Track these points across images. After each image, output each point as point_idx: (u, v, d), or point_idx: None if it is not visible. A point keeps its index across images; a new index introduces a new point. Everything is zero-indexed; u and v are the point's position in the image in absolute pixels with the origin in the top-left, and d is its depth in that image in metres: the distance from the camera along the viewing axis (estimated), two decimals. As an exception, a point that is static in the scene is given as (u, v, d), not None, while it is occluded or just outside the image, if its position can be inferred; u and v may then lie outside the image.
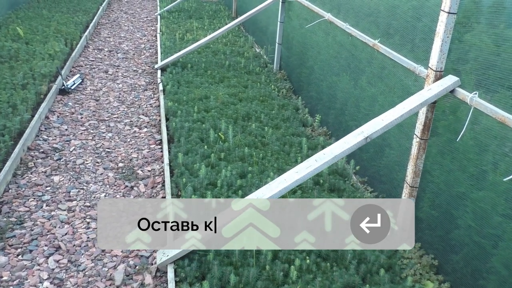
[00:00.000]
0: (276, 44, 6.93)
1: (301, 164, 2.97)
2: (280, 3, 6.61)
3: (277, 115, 5.22)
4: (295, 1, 6.14)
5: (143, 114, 5.37)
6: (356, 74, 4.56)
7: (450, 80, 2.87)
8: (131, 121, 5.18)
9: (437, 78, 2.94)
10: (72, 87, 5.80)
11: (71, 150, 4.43)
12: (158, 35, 8.47)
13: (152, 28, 9.48)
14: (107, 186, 3.92)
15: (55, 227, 3.34)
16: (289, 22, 6.63)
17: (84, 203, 3.66)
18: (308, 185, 3.82)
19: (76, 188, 3.84)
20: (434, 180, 3.29)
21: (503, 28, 2.62)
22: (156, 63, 7.09)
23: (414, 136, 3.15)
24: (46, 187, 3.81)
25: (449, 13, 2.80)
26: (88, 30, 8.28)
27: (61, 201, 3.64)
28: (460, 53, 2.92)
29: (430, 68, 2.98)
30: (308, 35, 5.81)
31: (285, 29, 6.77)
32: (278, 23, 6.78)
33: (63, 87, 5.70)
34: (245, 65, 6.86)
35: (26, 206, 3.52)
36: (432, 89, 2.88)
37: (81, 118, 5.13)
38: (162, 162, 4.32)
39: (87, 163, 4.23)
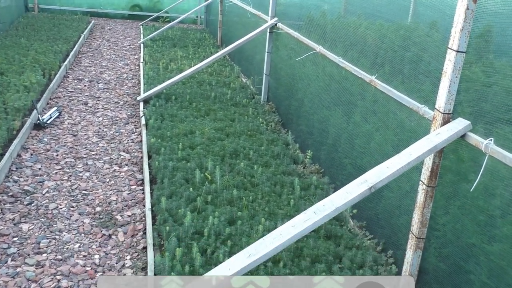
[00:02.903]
0: (264, 75, 6.70)
1: (299, 217, 2.67)
2: (268, 33, 6.41)
3: (267, 151, 4.94)
4: (283, 32, 5.95)
5: (124, 151, 5.04)
6: (348, 108, 4.32)
7: (460, 123, 2.63)
8: (111, 158, 4.84)
9: (445, 121, 2.70)
10: (48, 121, 5.45)
11: (43, 192, 4.06)
12: (141, 65, 8.20)
13: (135, 57, 9.21)
14: (82, 234, 3.56)
15: (19, 287, 2.96)
16: (276, 52, 6.43)
17: (55, 255, 3.29)
18: (303, 233, 3.51)
19: (47, 238, 3.47)
20: (439, 228, 3.02)
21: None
22: (139, 94, 6.79)
23: (420, 182, 2.89)
24: (13, 237, 3.43)
25: (457, 51, 2.57)
26: (68, 59, 7.97)
27: (29, 254, 3.26)
28: (470, 94, 2.69)
29: (437, 110, 2.73)
30: (297, 66, 5.59)
31: (273, 60, 6.56)
32: (266, 53, 6.57)
33: (39, 121, 5.35)
34: (232, 97, 6.60)
35: (-12, 262, 3.15)
36: (441, 134, 2.63)
37: (57, 155, 4.78)
38: (144, 206, 3.98)
39: (61, 208, 3.87)
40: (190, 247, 3.23)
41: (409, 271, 3.00)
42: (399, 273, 3.16)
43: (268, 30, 6.35)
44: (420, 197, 2.88)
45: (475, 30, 2.58)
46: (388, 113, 3.64)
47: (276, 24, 6.20)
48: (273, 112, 6.28)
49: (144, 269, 3.19)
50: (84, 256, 3.32)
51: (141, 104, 6.24)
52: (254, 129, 5.51)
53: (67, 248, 3.38)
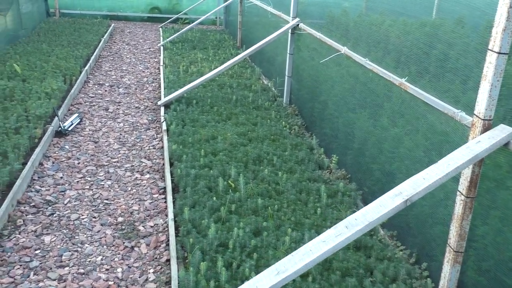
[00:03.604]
0: (286, 77, 6.56)
1: (329, 231, 2.53)
2: (290, 34, 6.26)
3: (291, 156, 4.80)
4: (305, 33, 5.79)
5: (145, 158, 4.96)
6: (375, 111, 4.16)
7: (503, 131, 2.45)
8: (132, 165, 4.77)
9: (485, 128, 2.52)
10: (70, 128, 5.41)
11: (65, 202, 4.00)
12: (161, 68, 8.14)
13: (155, 60, 9.16)
14: (105, 246, 3.48)
15: (42, 303, 2.89)
16: (298, 53, 6.28)
17: (78, 269, 3.21)
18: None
19: (69, 251, 3.40)
20: (479, 240, 2.84)
21: None
22: (159, 98, 6.72)
23: (458, 193, 2.71)
24: (35, 250, 3.37)
25: (499, 53, 2.39)
26: (88, 64, 7.96)
27: (51, 268, 3.19)
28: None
29: (477, 116, 2.56)
30: (320, 67, 5.43)
31: (295, 61, 6.41)
32: (288, 54, 6.42)
33: (60, 128, 5.31)
34: (253, 100, 6.48)
35: (10, 276, 3.08)
36: (481, 142, 2.45)
37: (78, 163, 4.72)
38: (166, 216, 3.88)
39: (82, 219, 3.80)
40: (214, 261, 3.12)
41: (447, 286, 2.83)
42: (435, 288, 2.99)
43: (290, 31, 6.20)
44: (458, 208, 2.70)
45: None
46: (419, 116, 3.46)
47: (298, 25, 6.05)
48: (296, 115, 6.14)
49: (168, 283, 3.09)
50: (107, 269, 3.23)
51: (162, 108, 6.17)
52: (277, 133, 5.37)
53: (90, 261, 3.31)
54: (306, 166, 4.66)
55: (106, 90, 7.14)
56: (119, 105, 6.51)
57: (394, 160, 3.86)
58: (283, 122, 5.77)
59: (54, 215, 3.82)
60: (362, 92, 4.42)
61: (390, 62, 3.90)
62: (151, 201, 4.13)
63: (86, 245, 3.49)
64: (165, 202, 4.10)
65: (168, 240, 3.52)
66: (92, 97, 6.78)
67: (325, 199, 3.99)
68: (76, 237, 3.57)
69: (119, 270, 3.24)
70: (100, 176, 4.52)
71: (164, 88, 6.83)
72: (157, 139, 5.44)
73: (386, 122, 4.00)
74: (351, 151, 4.65)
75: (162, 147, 5.18)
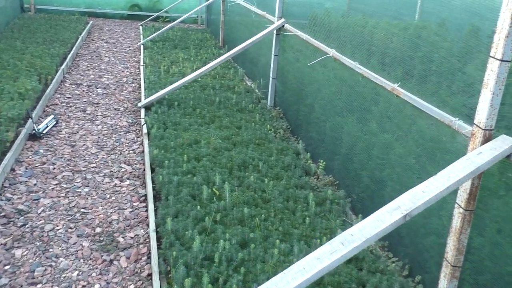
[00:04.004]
0: (270, 79, 6.40)
1: (324, 248, 2.37)
2: (275, 35, 6.10)
3: (277, 161, 4.64)
4: (291, 34, 5.64)
5: (125, 163, 4.74)
6: (364, 116, 4.03)
7: (504, 142, 2.33)
8: (111, 171, 4.55)
9: (486, 139, 2.41)
10: (44, 131, 5.15)
11: (39, 212, 3.77)
12: (141, 68, 7.89)
13: (135, 59, 8.90)
14: (81, 260, 3.26)
15: (12, 326, 2.67)
16: (283, 54, 6.13)
17: (52, 286, 2.99)
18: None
19: (43, 265, 3.18)
20: (475, 252, 2.73)
21: None
22: (140, 99, 6.49)
23: (456, 205, 2.59)
24: (5, 265, 3.14)
25: (502, 60, 2.28)
26: (65, 63, 7.66)
27: (22, 286, 2.96)
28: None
29: (477, 125, 2.44)
30: (306, 69, 5.29)
31: (280, 62, 6.26)
32: (272, 56, 6.27)
33: (34, 131, 5.05)
34: (237, 102, 6.30)
35: (-23, 296, 2.85)
36: (483, 154, 2.33)
37: (53, 169, 4.48)
38: (147, 226, 3.69)
39: (57, 229, 3.58)
40: (199, 276, 2.94)
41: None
42: (431, 304, 2.87)
43: (275, 31, 6.04)
44: (456, 222, 2.58)
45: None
46: (411, 122, 3.35)
47: (283, 26, 5.90)
48: (280, 118, 5.99)
49: (149, 301, 2.90)
50: (83, 286, 3.02)
51: (142, 110, 5.95)
52: (262, 137, 5.21)
53: (65, 277, 3.09)
54: (293, 172, 4.51)
55: (83, 91, 6.87)
56: (97, 107, 6.26)
57: (384, 167, 3.73)
58: (268, 126, 5.62)
59: (27, 226, 3.58)
60: (350, 96, 4.29)
61: (379, 65, 3.78)
62: (131, 209, 3.93)
63: (61, 259, 3.27)
64: (146, 211, 3.90)
65: (150, 253, 3.33)
66: (69, 97, 6.51)
67: (314, 207, 3.84)
68: (50, 250, 3.34)
69: (97, 286, 3.03)
70: (77, 182, 4.29)
71: (145, 89, 6.60)
72: (137, 143, 5.22)
73: (375, 127, 3.88)
74: (338, 156, 4.52)
75: (143, 152, 4.96)
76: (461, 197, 2.55)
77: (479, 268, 2.71)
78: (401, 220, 2.30)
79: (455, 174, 2.33)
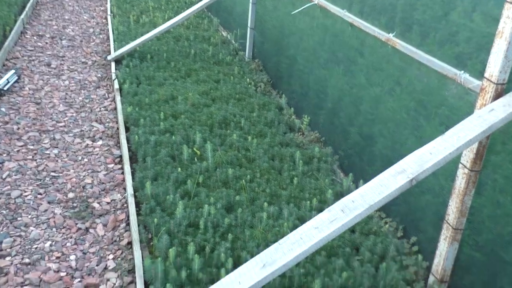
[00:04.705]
0: (248, 29, 6.04)
1: (322, 215, 2.18)
2: (253, -19, 5.70)
3: (259, 118, 4.39)
4: (272, -20, 5.26)
5: (96, 121, 4.41)
6: (351, 67, 3.80)
7: (519, 97, 2.14)
8: (81, 130, 4.22)
9: (498, 94, 2.21)
10: (6, 88, 4.73)
11: (4, 177, 3.46)
12: (108, 18, 7.37)
13: (101, 8, 8.32)
14: (54, 229, 3.01)
15: (-20, 305, 2.43)
16: (261, 2, 5.75)
17: (22, 259, 2.74)
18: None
19: (11, 236, 2.91)
20: (474, 212, 2.60)
21: None
22: (109, 52, 6.06)
23: (460, 165, 2.42)
24: (-31, 238, 2.86)
25: (520, 6, 2.04)
26: (24, 12, 7.07)
27: (-11, 260, 2.71)
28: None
29: (487, 79, 2.23)
30: (287, 18, 4.96)
31: (258, 11, 5.88)
32: (250, 4, 5.88)
33: (-6, 88, 4.63)
34: (214, 54, 5.95)
35: None
36: (495, 110, 2.14)
37: (18, 129, 4.12)
38: (124, 190, 3.43)
39: (26, 196, 3.29)
40: (184, 245, 2.74)
41: (443, 265, 2.59)
42: (430, 266, 2.75)
43: (254, -23, 5.64)
44: (460, 183, 2.42)
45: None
46: (405, 75, 3.12)
47: (262, -29, 5.49)
48: (260, 71, 5.69)
49: (131, 271, 2.69)
50: (58, 257, 2.78)
51: (113, 64, 5.54)
52: (242, 91, 4.93)
53: (36, 248, 2.84)
54: (277, 129, 4.29)
55: (47, 43, 6.36)
56: (63, 60, 5.81)
57: (374, 122, 3.54)
58: (248, 79, 5.32)
59: (-9, 192, 3.28)
60: (336, 46, 4.02)
61: (371, 13, 3.50)
62: (105, 172, 3.65)
63: (31, 228, 3.00)
64: (122, 173, 3.64)
65: (128, 219, 3.09)
66: (31, 50, 6.02)
67: (301, 166, 3.65)
68: (19, 218, 3.07)
69: (73, 257, 2.80)
70: (44, 143, 3.96)
71: (114, 41, 6.15)
72: (108, 99, 4.86)
73: (364, 79, 3.66)
74: (323, 111, 4.30)
75: (115, 109, 4.63)
76: (467, 157, 2.38)
77: (478, 229, 2.59)
78: (406, 185, 2.11)
79: (465, 134, 2.13)
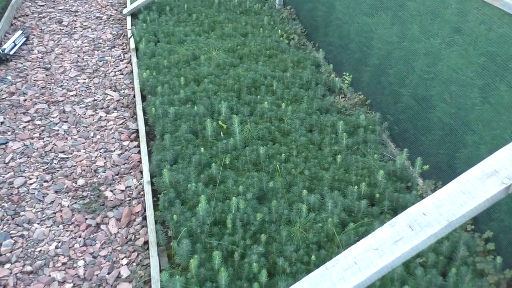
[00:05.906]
0: (278, -30, 5.30)
1: (382, 231, 1.66)
2: None
3: (293, 78, 3.81)
4: None
5: (110, 88, 3.93)
6: (397, 12, 3.13)
7: None
8: (94, 100, 3.76)
9: None
10: (12, 52, 4.27)
11: (7, 161, 3.06)
12: (125, -36, 6.70)
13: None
14: (60, 226, 2.61)
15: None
16: None
17: (23, 266, 2.37)
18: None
19: (12, 236, 2.53)
20: None
21: None
22: (125, 4, 5.48)
23: None
24: (-36, 240, 2.50)
25: None
26: (35, -37, 6.48)
27: (-15, 270, 2.34)
28: None
29: None
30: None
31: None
32: None
33: (-2, 53, 4.18)
34: (240, 2, 5.28)
35: None
36: None
37: (25, 101, 3.69)
38: (141, 173, 2.99)
39: (30, 184, 2.89)
40: (208, 249, 2.29)
41: None
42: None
43: None
44: None
45: None
46: (466, 18, 2.47)
47: None
48: (293, 20, 5.01)
49: (147, 283, 2.28)
50: (64, 264, 2.40)
51: (129, 18, 4.98)
52: (273, 46, 4.31)
53: (40, 252, 2.46)
54: (314, 91, 3.70)
55: (59, -4, 5.81)
56: (75, 16, 5.27)
57: (432, 82, 2.92)
58: (279, 31, 4.68)
59: (-8, 181, 2.90)
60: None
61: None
62: (120, 151, 3.21)
63: (35, 225, 2.61)
64: (139, 152, 3.18)
65: (145, 211, 2.66)
66: (41, 6, 5.49)
67: (345, 139, 3.09)
68: (22, 213, 2.68)
69: (81, 263, 2.40)
70: (53, 117, 3.53)
71: (130, -9, 5.54)
72: (124, 61, 4.35)
73: (417, 29, 3.01)
74: (369, 68, 3.68)
75: (132, 72, 4.12)
76: None
77: None
78: (502, 193, 1.55)
79: None
